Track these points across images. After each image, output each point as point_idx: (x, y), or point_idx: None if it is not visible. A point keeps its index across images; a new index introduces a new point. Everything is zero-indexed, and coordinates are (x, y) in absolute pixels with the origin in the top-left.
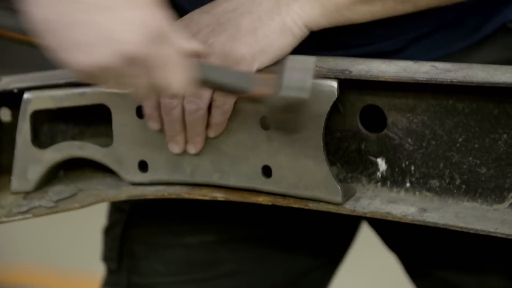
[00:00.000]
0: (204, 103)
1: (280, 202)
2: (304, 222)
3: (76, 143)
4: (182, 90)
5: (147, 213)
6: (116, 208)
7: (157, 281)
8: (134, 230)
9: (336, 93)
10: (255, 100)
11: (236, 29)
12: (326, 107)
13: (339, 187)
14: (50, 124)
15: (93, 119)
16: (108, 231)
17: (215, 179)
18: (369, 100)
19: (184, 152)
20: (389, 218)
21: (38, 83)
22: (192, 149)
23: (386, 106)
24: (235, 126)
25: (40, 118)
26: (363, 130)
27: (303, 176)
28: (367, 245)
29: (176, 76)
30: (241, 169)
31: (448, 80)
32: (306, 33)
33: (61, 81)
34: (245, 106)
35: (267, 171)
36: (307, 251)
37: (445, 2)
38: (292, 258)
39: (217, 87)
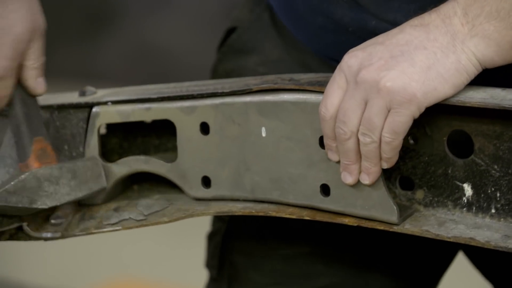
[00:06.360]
0: (376, 137)
1: (365, 224)
2: (399, 242)
3: (142, 157)
4: None
5: (245, 224)
6: (219, 217)
7: None
8: (233, 240)
9: None
10: None
11: (409, 64)
12: None
13: (395, 207)
14: (120, 138)
15: (162, 134)
16: (211, 238)
17: (275, 196)
18: (457, 125)
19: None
20: (473, 243)
21: (133, 96)
22: (366, 180)
23: (473, 131)
24: (294, 145)
25: (109, 132)
26: (450, 155)
27: (360, 195)
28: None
29: None
30: (300, 187)
31: None
32: (479, 71)
33: (154, 96)
34: (305, 125)
35: (325, 190)
36: (401, 270)
37: None
38: (386, 275)
39: None
